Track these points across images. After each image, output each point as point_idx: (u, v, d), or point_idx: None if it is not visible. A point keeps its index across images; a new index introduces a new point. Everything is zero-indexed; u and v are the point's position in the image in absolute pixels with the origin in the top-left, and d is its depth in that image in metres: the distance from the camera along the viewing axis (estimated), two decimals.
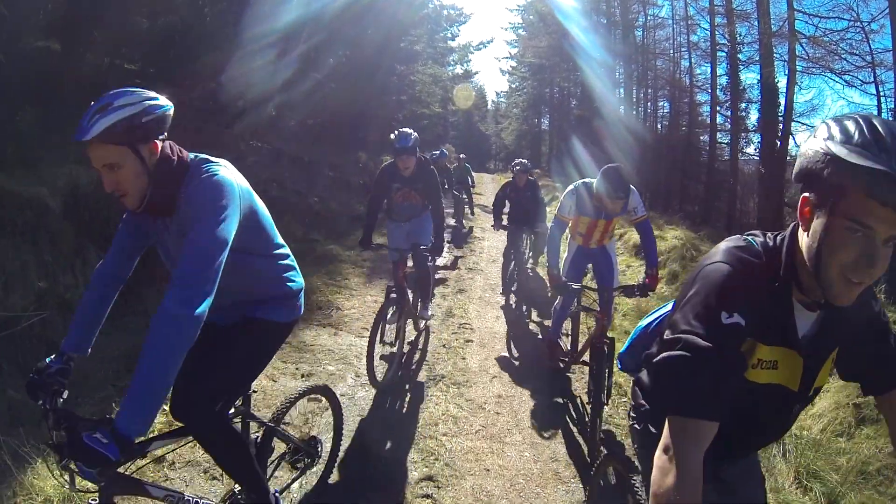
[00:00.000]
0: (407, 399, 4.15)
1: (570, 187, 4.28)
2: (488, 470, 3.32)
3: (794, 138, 14.22)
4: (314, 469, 2.81)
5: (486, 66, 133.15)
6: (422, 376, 4.58)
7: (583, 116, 25.14)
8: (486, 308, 6.46)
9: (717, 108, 17.06)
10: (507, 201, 6.91)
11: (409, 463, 3.32)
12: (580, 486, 3.22)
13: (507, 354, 5.20)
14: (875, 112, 13.36)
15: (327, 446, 2.97)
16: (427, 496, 3.01)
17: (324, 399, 2.90)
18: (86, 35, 6.68)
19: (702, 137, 18.97)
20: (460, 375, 4.61)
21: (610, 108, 20.39)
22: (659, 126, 21.51)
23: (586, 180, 4.29)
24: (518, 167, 6.76)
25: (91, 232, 5.19)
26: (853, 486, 3.33)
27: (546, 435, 3.78)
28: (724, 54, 16.37)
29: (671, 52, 20.14)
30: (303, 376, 4.34)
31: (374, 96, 14.62)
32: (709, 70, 17.46)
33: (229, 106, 8.29)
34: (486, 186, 26.19)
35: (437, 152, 11.10)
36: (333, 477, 3.07)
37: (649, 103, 22.39)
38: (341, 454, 3.23)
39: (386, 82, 15.88)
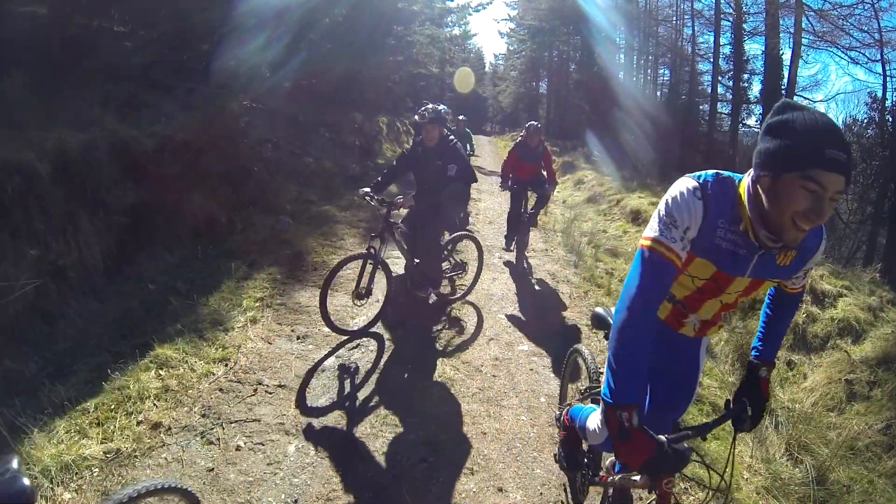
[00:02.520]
0: (404, 362, 4.14)
1: (685, 186, 1.60)
2: (485, 433, 3.35)
3: None
4: None
5: (485, 27, 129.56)
6: (417, 337, 4.58)
7: (582, 81, 24.78)
8: (483, 271, 6.40)
9: (719, 79, 16.82)
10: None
11: (405, 426, 3.33)
12: None
13: (503, 316, 5.19)
14: (880, 91, 13.25)
15: None
16: (424, 460, 3.03)
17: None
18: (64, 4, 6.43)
19: (701, 107, 18.76)
20: (457, 338, 4.61)
21: (610, 73, 20.07)
22: (659, 94, 21.24)
23: (723, 173, 1.67)
24: (532, 128, 6.75)
25: (82, 197, 5.08)
26: (842, 461, 3.41)
27: (542, 399, 3.80)
28: (728, 23, 16.07)
29: (674, 19, 19.73)
30: (298, 338, 4.32)
31: (370, 57, 14.27)
32: (712, 39, 17.17)
33: (223, 68, 8.06)
34: (483, 148, 25.95)
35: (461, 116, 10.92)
36: (328, 440, 3.10)
37: (650, 70, 22.09)
38: (336, 415, 3.27)
39: (383, 43, 15.49)
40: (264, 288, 5.08)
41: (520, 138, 6.86)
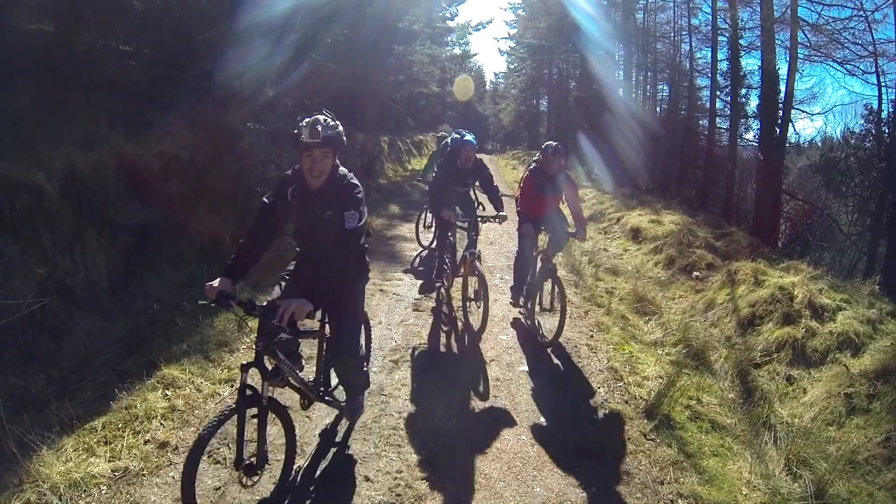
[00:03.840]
0: (407, 384, 4.18)
1: None
2: (486, 453, 3.39)
3: (793, 125, 14.20)
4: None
5: (485, 46, 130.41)
6: (420, 359, 4.63)
7: (581, 98, 24.98)
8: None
9: (717, 94, 16.97)
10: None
11: (408, 446, 3.37)
12: (575, 469, 3.29)
13: (505, 338, 5.24)
14: (876, 102, 13.37)
15: None
16: (425, 478, 3.07)
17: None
18: (77, 15, 6.55)
19: (701, 122, 18.92)
20: (458, 359, 4.68)
21: (609, 90, 20.25)
22: (658, 109, 21.41)
23: None
24: (551, 150, 5.13)
25: (90, 215, 5.17)
26: (842, 475, 3.42)
27: (542, 419, 3.84)
28: (725, 39, 16.24)
29: (672, 35, 19.96)
30: (304, 359, 4.30)
31: (371, 76, 14.48)
32: (709, 54, 17.33)
33: (226, 86, 8.19)
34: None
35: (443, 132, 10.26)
36: (332, 458, 3.15)
37: (649, 86, 22.29)
38: (340, 436, 3.35)
39: (384, 62, 15.71)
40: None
41: (534, 164, 5.33)
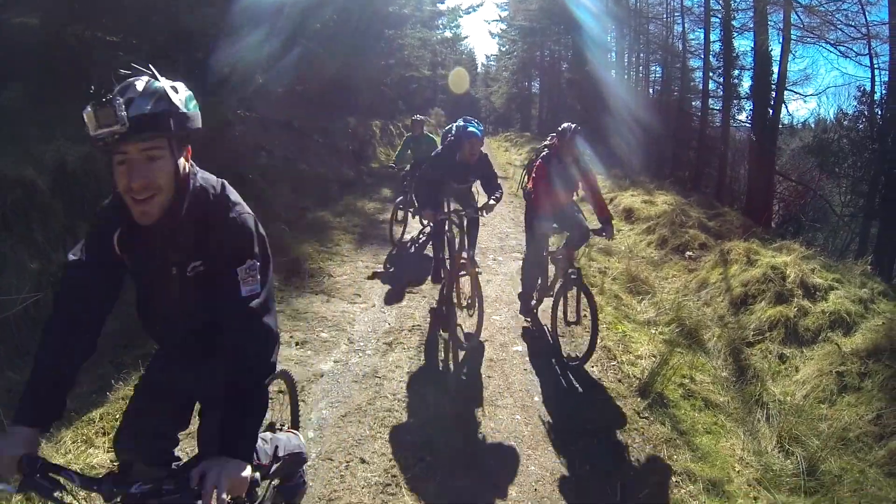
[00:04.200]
0: (401, 367, 4.22)
1: None
2: (480, 433, 3.43)
3: (786, 107, 14.19)
4: None
5: (476, 29, 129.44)
6: (414, 341, 4.67)
7: (574, 80, 24.90)
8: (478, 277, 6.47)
9: (710, 75, 16.94)
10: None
11: (403, 428, 3.42)
12: (571, 447, 3.33)
13: (498, 318, 5.27)
14: (869, 84, 13.37)
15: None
16: (421, 459, 3.11)
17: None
18: (64, 8, 6.45)
19: (693, 104, 18.89)
20: (451, 343, 4.65)
21: (601, 72, 20.18)
22: (651, 91, 21.37)
23: None
24: (570, 133, 4.45)
25: (82, 209, 5.13)
26: (833, 451, 3.47)
27: (536, 398, 3.89)
28: (717, 20, 16.18)
29: (664, 16, 19.87)
30: (297, 344, 4.41)
31: (362, 61, 14.34)
32: (702, 36, 17.26)
33: (216, 74, 8.12)
34: None
35: (418, 116, 8.58)
36: (329, 442, 3.18)
37: (641, 68, 22.23)
38: (336, 419, 3.37)
39: (374, 47, 15.52)
40: None
41: (545, 150, 4.70)
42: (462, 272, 4.62)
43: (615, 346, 4.71)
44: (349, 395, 3.73)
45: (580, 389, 4.06)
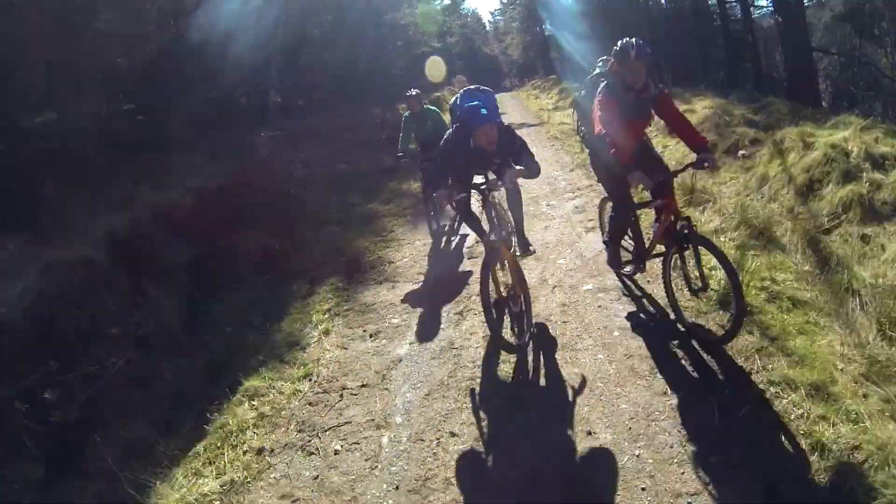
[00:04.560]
0: (476, 333, 4.21)
1: None
2: (565, 380, 3.40)
3: None
4: None
5: None
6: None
7: (583, 10, 23.95)
8: (532, 221, 6.33)
9: None
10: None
11: (487, 392, 3.46)
12: (659, 377, 3.25)
13: (563, 261, 5.19)
14: None
15: None
16: (511, 420, 3.12)
17: None
18: (73, 107, 6.81)
19: (710, 2, 17.80)
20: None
21: None
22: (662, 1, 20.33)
23: None
24: (634, 50, 3.44)
25: (142, 268, 5.46)
26: None
27: (616, 333, 3.81)
28: None
29: None
30: (370, 336, 4.49)
31: (370, 51, 14.37)
32: None
33: (233, 106, 8.38)
34: (507, 104, 25.69)
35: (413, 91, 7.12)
36: (417, 423, 3.24)
37: None
38: (420, 399, 3.40)
39: (377, 34, 15.54)
40: (329, 299, 5.29)
41: (602, 80, 3.82)
42: (495, 261, 3.86)
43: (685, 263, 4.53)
44: (430, 373, 3.77)
45: (659, 316, 3.93)
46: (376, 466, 2.96)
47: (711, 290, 3.81)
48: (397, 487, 2.78)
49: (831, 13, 15.51)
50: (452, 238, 6.43)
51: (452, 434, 3.11)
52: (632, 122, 3.74)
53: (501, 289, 3.90)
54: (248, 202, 6.96)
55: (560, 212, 6.68)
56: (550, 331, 4.03)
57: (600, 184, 4.56)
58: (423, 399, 3.49)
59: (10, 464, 3.66)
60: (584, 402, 3.17)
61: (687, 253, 3.60)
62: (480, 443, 3.01)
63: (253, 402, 3.76)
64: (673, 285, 3.79)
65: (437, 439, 3.09)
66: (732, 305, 3.37)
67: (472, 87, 4.52)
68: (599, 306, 4.22)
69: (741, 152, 7.42)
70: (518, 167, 3.92)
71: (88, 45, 6.75)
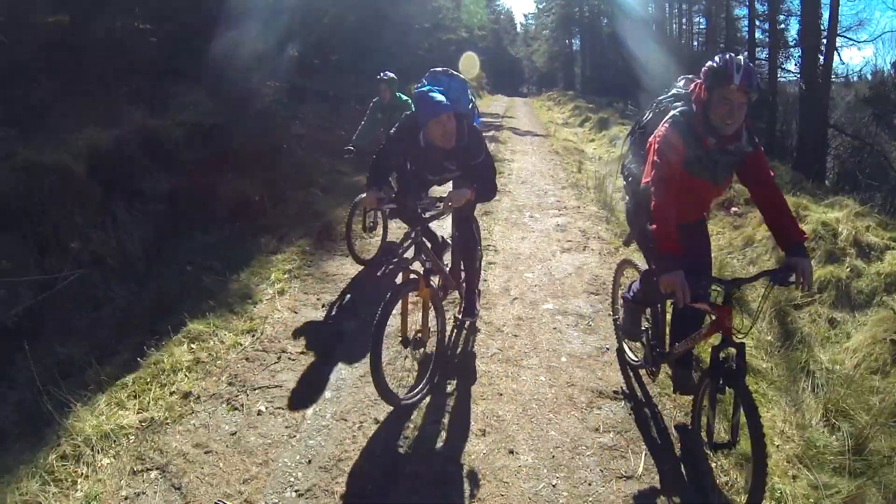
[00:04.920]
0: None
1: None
2: (501, 394, 3.36)
3: (839, 54, 13.09)
4: None
5: None
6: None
7: (614, 34, 24.04)
8: (511, 229, 6.43)
9: (756, 23, 15.93)
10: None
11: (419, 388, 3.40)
12: (594, 412, 3.23)
13: (530, 275, 5.16)
14: None
15: None
16: (436, 421, 3.11)
17: None
18: (94, 2, 6.66)
19: (741, 55, 17.89)
20: (481, 298, 4.57)
21: (640, 25, 19.38)
22: (695, 44, 20.37)
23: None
24: (739, 70, 2.35)
25: (118, 189, 5.37)
26: (884, 429, 3.13)
27: (563, 359, 3.75)
28: None
29: None
30: (323, 306, 4.47)
31: (396, 26, 14.19)
32: None
33: (248, 50, 8.23)
34: (519, 110, 25.69)
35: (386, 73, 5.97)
36: (345, 402, 3.23)
37: (684, 19, 21.17)
38: (354, 378, 3.38)
39: (407, 11, 15.34)
40: (293, 260, 5.29)
41: (674, 108, 2.67)
42: (409, 289, 3.16)
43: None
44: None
45: (611, 350, 3.91)
46: (294, 436, 2.94)
47: (738, 449, 2.74)
48: (310, 461, 2.74)
49: (855, 94, 15.65)
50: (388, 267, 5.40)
51: (376, 421, 3.09)
52: (701, 186, 2.67)
53: (409, 327, 3.20)
54: (237, 147, 6.87)
55: (541, 226, 6.68)
56: (499, 343, 3.98)
57: (633, 243, 3.37)
58: (357, 379, 3.46)
59: None
60: (515, 420, 3.15)
61: (723, 397, 2.64)
62: (401, 437, 2.98)
63: (192, 346, 3.73)
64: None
65: (360, 423, 3.07)
66: (747, 482, 2.49)
67: (439, 69, 3.58)
68: (555, 328, 4.19)
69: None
70: (463, 190, 3.11)
71: None
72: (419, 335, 3.28)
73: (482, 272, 4.98)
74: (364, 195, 3.58)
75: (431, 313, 3.31)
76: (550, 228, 6.52)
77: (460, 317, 4.00)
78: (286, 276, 4.95)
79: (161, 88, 6.71)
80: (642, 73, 17.66)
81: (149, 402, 3.16)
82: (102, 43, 6.58)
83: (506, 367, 3.66)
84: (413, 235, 3.60)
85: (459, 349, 3.90)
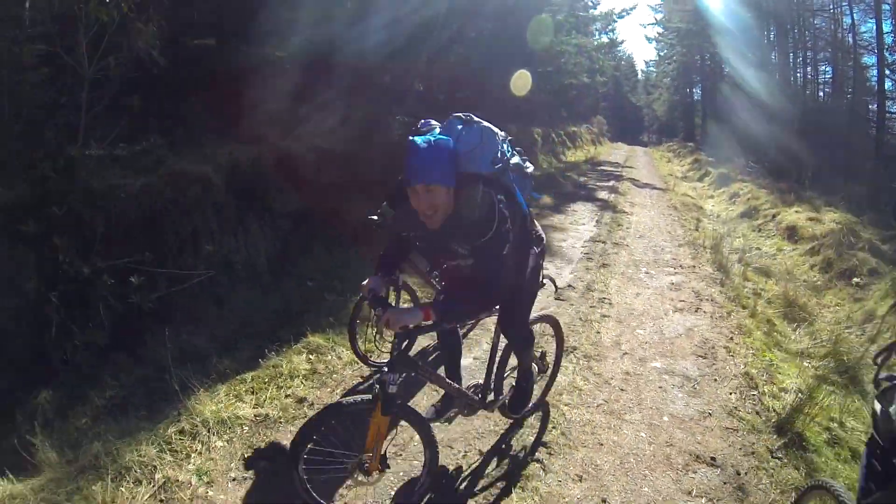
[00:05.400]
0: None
1: None
2: (601, 444, 3.38)
3: None
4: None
5: (633, 33, 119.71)
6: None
7: (736, 84, 23.07)
8: (627, 284, 6.38)
9: (886, 73, 14.66)
10: None
11: (526, 426, 3.49)
12: (689, 475, 3.16)
13: (642, 332, 5.10)
14: None
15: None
16: (538, 461, 3.15)
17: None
18: (235, 30, 7.40)
19: (870, 106, 16.47)
20: (592, 349, 4.64)
21: (760, 74, 18.45)
22: (821, 94, 19.04)
23: None
24: None
25: (251, 203, 5.93)
26: None
27: (665, 419, 3.71)
28: (888, 7, 13.97)
29: (831, 7, 17.61)
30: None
31: (520, 68, 14.50)
32: (874, 27, 15.02)
33: (377, 83, 8.75)
34: (639, 160, 25.27)
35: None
36: (451, 432, 3.32)
37: (808, 68, 19.87)
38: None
39: (531, 55, 15.64)
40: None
41: None
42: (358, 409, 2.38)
43: (758, 375, 4.32)
44: (482, 385, 3.79)
45: (712, 415, 3.80)
46: (401, 454, 3.09)
47: None
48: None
49: None
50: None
51: (480, 452, 3.22)
52: None
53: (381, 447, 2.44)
54: (364, 175, 7.26)
55: (656, 283, 6.57)
56: (606, 394, 3.98)
57: None
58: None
59: (81, 323, 4.13)
60: (611, 471, 3.15)
61: None
62: (501, 471, 3.08)
63: (311, 357, 4.05)
64: None
65: (465, 451, 3.20)
66: None
67: (461, 115, 2.56)
68: (660, 387, 4.13)
69: (855, 280, 6.95)
70: (409, 310, 2.36)
71: None
72: (367, 463, 2.42)
73: (596, 324, 5.11)
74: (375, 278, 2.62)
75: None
76: (664, 286, 6.39)
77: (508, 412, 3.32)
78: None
79: (297, 114, 7.31)
80: (761, 127, 16.79)
81: (265, 400, 3.49)
82: (245, 67, 7.27)
83: (609, 419, 3.66)
84: (393, 342, 2.42)
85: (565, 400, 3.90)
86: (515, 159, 2.70)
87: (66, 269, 4.25)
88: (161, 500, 2.68)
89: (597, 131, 31.98)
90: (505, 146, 2.63)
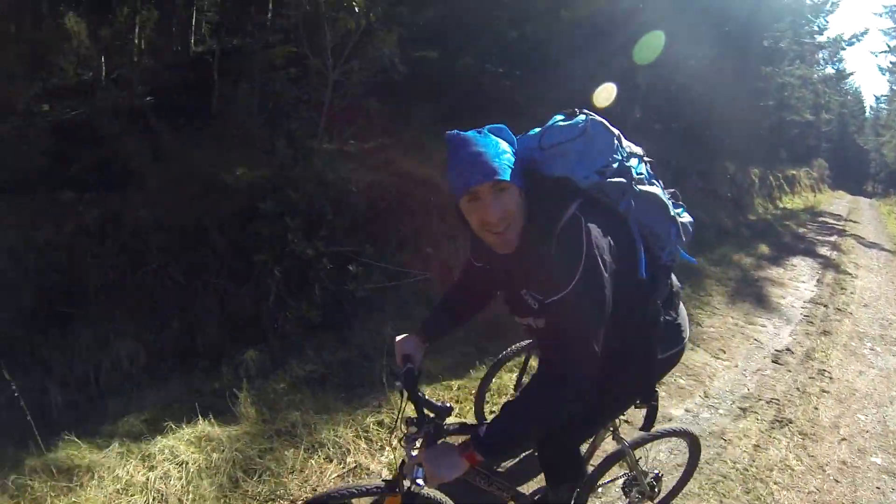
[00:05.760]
0: (749, 433, 3.90)
1: None
2: None
3: None
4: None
5: (861, 63, 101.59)
6: (769, 415, 4.24)
7: None
8: (849, 358, 5.57)
9: None
10: None
11: (732, 500, 3.18)
12: None
13: (863, 418, 4.41)
14: None
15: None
16: None
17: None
18: (457, 44, 7.71)
19: None
20: (808, 426, 4.14)
21: None
22: None
23: None
24: None
25: None
26: None
27: None
28: None
29: None
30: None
31: (738, 101, 13.36)
32: None
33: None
34: (864, 213, 22.02)
35: None
36: None
37: None
38: (671, 466, 3.24)
39: (750, 86, 14.30)
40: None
41: None
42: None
43: None
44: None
45: None
46: None
47: None
48: None
49: None
50: None
51: None
52: None
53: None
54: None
55: (882, 363, 5.59)
56: (820, 480, 3.47)
57: None
58: (673, 467, 3.29)
59: (297, 298, 4.55)
60: None
61: None
62: None
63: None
64: None
65: None
66: None
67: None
68: (878, 487, 3.52)
69: None
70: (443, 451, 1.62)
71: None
72: None
73: (815, 399, 4.58)
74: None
75: None
76: (892, 369, 5.42)
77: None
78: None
79: (515, 125, 7.43)
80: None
81: (467, 411, 3.50)
82: (462, 79, 7.58)
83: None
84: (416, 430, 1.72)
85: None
86: (656, 190, 1.80)
87: (293, 248, 4.74)
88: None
89: (816, 176, 28.18)
90: (633, 161, 1.78)
